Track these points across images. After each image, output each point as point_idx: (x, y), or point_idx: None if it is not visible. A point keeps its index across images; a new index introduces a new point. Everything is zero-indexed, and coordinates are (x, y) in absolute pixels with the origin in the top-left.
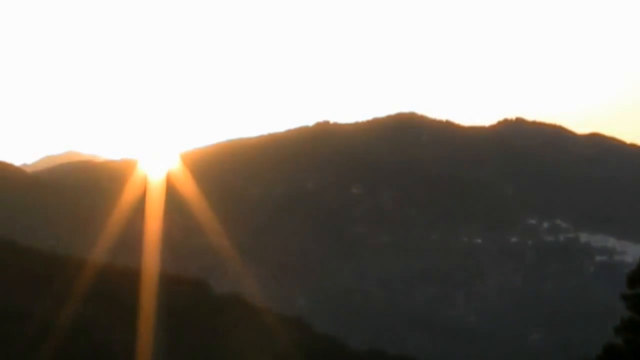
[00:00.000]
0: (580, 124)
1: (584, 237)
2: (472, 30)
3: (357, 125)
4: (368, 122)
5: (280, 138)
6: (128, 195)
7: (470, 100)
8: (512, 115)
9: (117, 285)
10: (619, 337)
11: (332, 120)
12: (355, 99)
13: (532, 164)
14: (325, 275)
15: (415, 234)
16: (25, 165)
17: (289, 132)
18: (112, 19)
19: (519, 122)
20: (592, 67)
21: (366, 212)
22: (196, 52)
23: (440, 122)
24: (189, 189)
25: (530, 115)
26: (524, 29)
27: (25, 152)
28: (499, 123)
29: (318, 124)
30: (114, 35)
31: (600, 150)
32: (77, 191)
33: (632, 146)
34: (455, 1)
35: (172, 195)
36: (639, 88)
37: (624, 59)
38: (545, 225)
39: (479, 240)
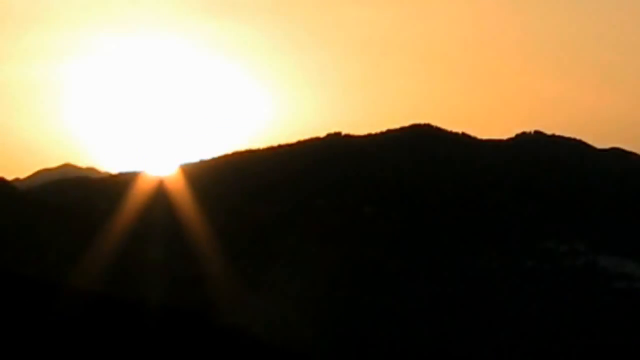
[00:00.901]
0: (600, 138)
1: (604, 261)
2: (488, 39)
3: (370, 137)
4: (382, 133)
5: (289, 150)
6: (126, 216)
7: (487, 111)
8: (530, 128)
9: (112, 318)
10: None
11: (344, 132)
12: (368, 109)
13: (550, 182)
14: (333, 308)
15: (429, 260)
16: (18, 180)
17: (298, 144)
18: (105, 27)
19: (537, 136)
20: (613, 79)
21: (378, 236)
22: (199, 56)
23: (456, 135)
24: (190, 209)
25: (549, 129)
26: (542, 40)
27: (19, 165)
28: (517, 136)
29: (329, 135)
30: (113, 40)
31: (622, 166)
32: (71, 212)
33: None
34: (472, 12)
35: (171, 215)
36: None
37: None
38: (564, 248)
39: (495, 265)
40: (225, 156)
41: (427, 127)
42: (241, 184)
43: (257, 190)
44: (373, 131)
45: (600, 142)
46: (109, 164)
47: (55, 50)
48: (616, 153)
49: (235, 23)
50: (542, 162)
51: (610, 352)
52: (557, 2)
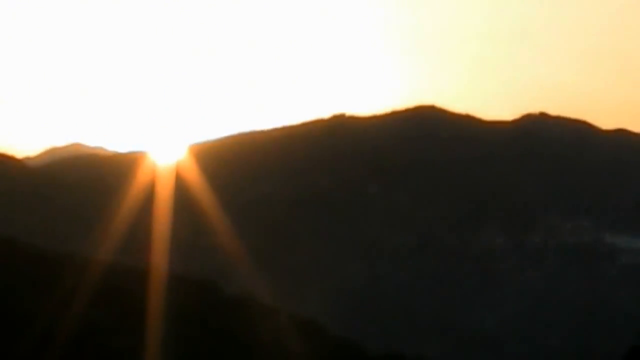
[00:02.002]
0: (605, 120)
1: (608, 237)
2: (493, 19)
3: (374, 117)
4: (386, 114)
5: (294, 131)
6: (135, 193)
7: (492, 92)
8: (535, 109)
9: (123, 287)
10: None
11: (348, 112)
12: (373, 89)
13: (555, 161)
14: (339, 277)
15: (433, 235)
16: (28, 158)
17: (303, 125)
18: (117, 9)
19: (542, 117)
20: (617, 61)
21: (383, 213)
22: (205, 41)
23: (460, 116)
24: (198, 185)
25: (554, 110)
26: (544, 20)
27: (28, 143)
28: (522, 117)
29: (334, 116)
30: (120, 24)
31: (626, 147)
32: (82, 187)
33: None
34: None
35: (180, 192)
36: None
37: None
38: (568, 225)
39: (499, 241)
40: (231, 137)
41: (432, 108)
42: (246, 163)
43: (261, 170)
44: (377, 112)
45: (604, 124)
46: (117, 144)
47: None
48: (620, 134)
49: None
50: (547, 141)
51: (615, 328)
52: None
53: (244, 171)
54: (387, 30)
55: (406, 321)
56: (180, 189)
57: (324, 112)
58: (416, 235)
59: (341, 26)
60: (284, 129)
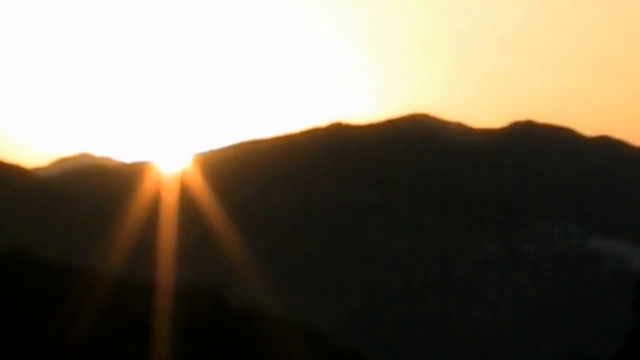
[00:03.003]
0: (590, 126)
1: (596, 243)
2: (484, 29)
3: (370, 126)
4: (381, 123)
5: (294, 138)
6: (141, 203)
7: (482, 100)
8: (522, 117)
9: (131, 301)
10: (627, 346)
11: (344, 120)
12: (368, 97)
13: (542, 168)
14: (343, 287)
15: (433, 243)
16: (37, 168)
17: (302, 133)
18: (120, 18)
19: (530, 124)
20: (601, 68)
21: (383, 221)
22: (207, 53)
23: (452, 124)
24: (203, 195)
25: (540, 117)
26: (530, 31)
27: (38, 154)
28: (510, 125)
29: (332, 124)
30: (125, 34)
31: (610, 154)
32: (89, 198)
33: None
34: (468, 2)
35: (186, 202)
36: None
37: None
38: (557, 230)
39: (492, 247)
40: (233, 146)
41: (424, 116)
42: (249, 172)
43: (264, 179)
44: (372, 120)
45: (589, 130)
46: (122, 154)
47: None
48: (605, 141)
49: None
50: (535, 149)
51: (604, 332)
52: None
53: (247, 180)
54: (381, 39)
55: (404, 328)
56: (186, 198)
57: (322, 119)
58: (414, 241)
59: (336, 36)
60: (284, 137)
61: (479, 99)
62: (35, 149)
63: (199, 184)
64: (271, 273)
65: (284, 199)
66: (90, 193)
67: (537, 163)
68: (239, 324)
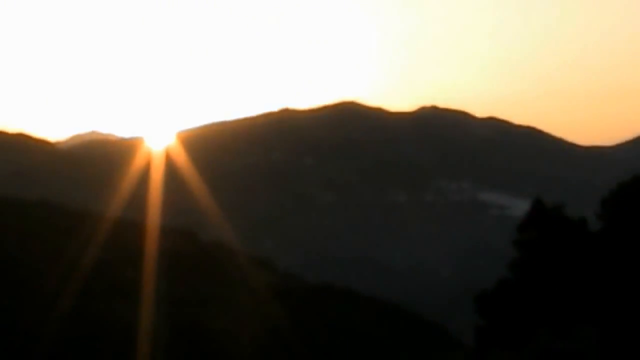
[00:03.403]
0: (479, 109)
1: (483, 195)
2: (401, 31)
3: (311, 110)
4: (319, 108)
5: (252, 120)
6: (136, 167)
7: (397, 88)
8: (428, 102)
9: (127, 235)
10: (510, 273)
11: (291, 106)
12: (308, 87)
13: (442, 140)
14: (285, 226)
15: (355, 195)
16: (58, 142)
17: (259, 116)
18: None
19: (433, 109)
20: (489, 60)
21: (316, 178)
22: (207, 51)
23: (373, 108)
24: (183, 161)
25: (442, 102)
26: (436, 32)
27: (58, 131)
28: (418, 109)
29: (281, 110)
30: (126, 32)
31: (495, 130)
32: (97, 164)
33: (519, 126)
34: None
35: (170, 166)
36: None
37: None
38: (453, 186)
39: (402, 199)
40: (207, 126)
41: (352, 103)
42: (219, 146)
43: (230, 150)
44: (312, 106)
45: (479, 113)
46: (122, 131)
47: None
48: (492, 121)
49: None
50: (437, 126)
51: (490, 263)
52: None
53: (217, 150)
54: (322, 38)
55: (333, 257)
56: (170, 165)
57: (274, 106)
58: (341, 194)
59: (280, 36)
60: (245, 119)
61: (395, 88)
62: (57, 126)
63: (180, 153)
64: (233, 217)
65: (244, 163)
66: (97, 160)
67: (438, 137)
68: (207, 254)
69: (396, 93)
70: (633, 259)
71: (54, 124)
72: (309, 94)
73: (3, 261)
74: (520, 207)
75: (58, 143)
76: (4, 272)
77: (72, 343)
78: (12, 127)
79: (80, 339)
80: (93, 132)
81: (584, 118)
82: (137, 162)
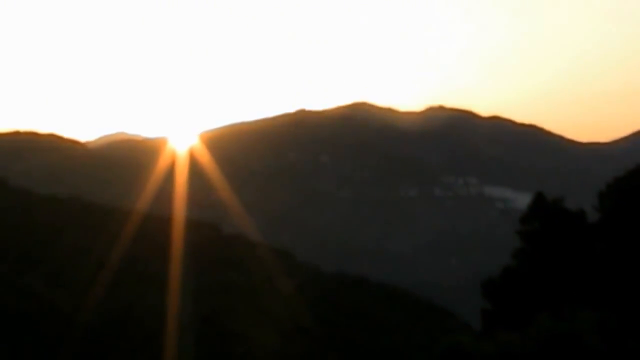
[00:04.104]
0: (485, 108)
1: (488, 190)
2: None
3: (325, 111)
4: (333, 109)
5: (271, 121)
6: (162, 165)
7: (406, 89)
8: (436, 102)
9: (154, 229)
10: (514, 261)
11: (307, 108)
12: (323, 89)
13: (449, 138)
14: (302, 220)
15: (367, 190)
16: (89, 142)
17: (276, 117)
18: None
19: (440, 108)
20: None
21: (331, 175)
22: (209, 50)
23: (384, 108)
24: (206, 159)
25: (449, 102)
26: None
27: (89, 132)
28: (426, 109)
29: (297, 111)
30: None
31: (501, 129)
32: (125, 163)
33: (522, 125)
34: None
35: (193, 164)
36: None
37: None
38: (460, 181)
39: (412, 193)
40: (228, 126)
41: (364, 104)
42: (239, 145)
43: (250, 149)
44: (327, 107)
45: (484, 111)
46: (147, 132)
47: None
48: (497, 120)
49: None
50: (444, 125)
51: (495, 254)
52: None
53: (237, 150)
54: (342, 45)
55: (349, 249)
56: (194, 163)
57: (291, 107)
58: (354, 190)
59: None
60: (263, 120)
61: (405, 87)
62: (87, 128)
63: (203, 153)
64: (253, 212)
65: (264, 162)
66: (125, 159)
67: (445, 135)
68: (229, 246)
69: (405, 94)
70: (628, 248)
71: (84, 125)
72: (324, 95)
73: (41, 253)
74: (522, 200)
75: (88, 143)
76: (42, 264)
77: (105, 329)
78: (45, 128)
79: (113, 324)
80: (120, 133)
81: (583, 116)
82: (163, 161)
